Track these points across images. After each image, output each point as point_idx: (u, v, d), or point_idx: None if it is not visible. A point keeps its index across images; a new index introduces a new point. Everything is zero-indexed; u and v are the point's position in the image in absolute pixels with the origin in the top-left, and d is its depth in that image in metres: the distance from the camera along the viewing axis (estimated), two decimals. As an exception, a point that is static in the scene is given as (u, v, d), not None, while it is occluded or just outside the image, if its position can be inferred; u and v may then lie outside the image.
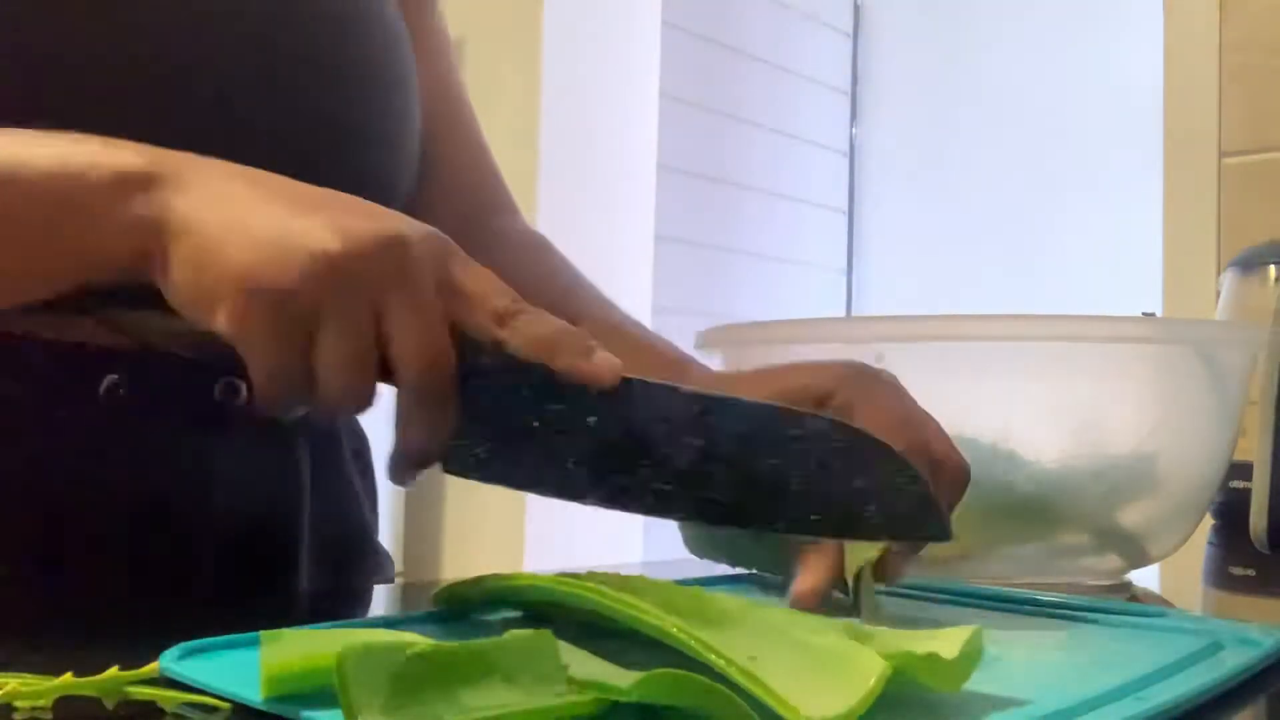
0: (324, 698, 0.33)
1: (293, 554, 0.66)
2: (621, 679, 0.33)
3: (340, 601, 0.67)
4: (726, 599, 0.42)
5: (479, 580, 0.48)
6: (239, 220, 0.43)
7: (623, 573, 0.46)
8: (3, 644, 0.42)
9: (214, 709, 0.35)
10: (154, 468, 0.59)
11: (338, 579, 0.68)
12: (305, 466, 0.66)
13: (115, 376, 0.58)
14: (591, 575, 0.45)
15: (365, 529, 0.73)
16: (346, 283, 0.42)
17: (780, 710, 0.31)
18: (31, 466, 0.57)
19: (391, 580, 0.74)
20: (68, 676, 0.35)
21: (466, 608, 0.49)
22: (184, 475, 0.60)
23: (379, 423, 0.53)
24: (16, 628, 0.48)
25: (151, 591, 0.59)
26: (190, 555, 0.61)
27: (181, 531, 0.60)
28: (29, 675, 0.35)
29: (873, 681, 0.32)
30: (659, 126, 2.34)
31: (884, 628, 0.40)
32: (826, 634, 0.37)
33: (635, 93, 2.31)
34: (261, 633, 0.39)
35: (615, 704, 0.32)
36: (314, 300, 0.42)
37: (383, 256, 0.42)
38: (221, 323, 0.42)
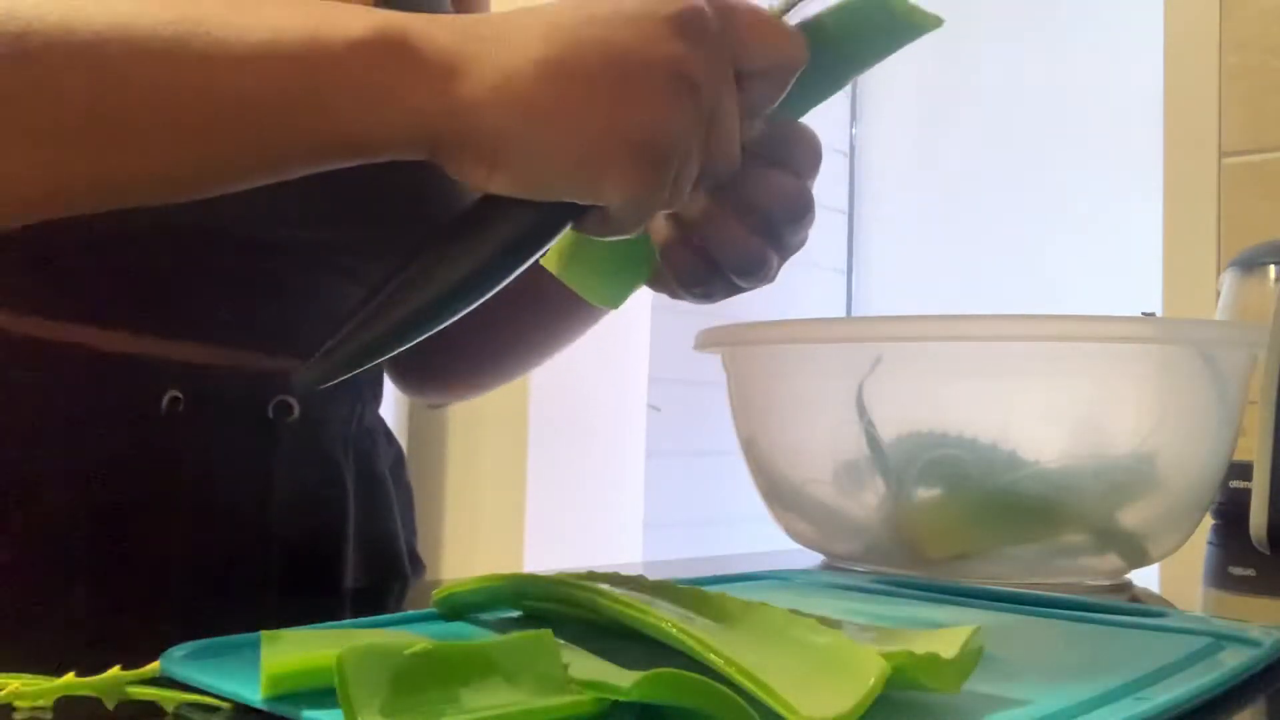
0: (324, 698, 0.33)
1: (339, 566, 0.67)
2: (621, 679, 0.33)
3: (342, 602, 0.67)
4: (727, 599, 0.42)
5: (479, 580, 0.48)
6: (562, 86, 0.41)
7: (622, 573, 0.46)
8: (3, 644, 0.42)
9: (214, 709, 0.35)
10: (210, 479, 0.61)
11: (375, 589, 0.69)
12: (350, 479, 0.68)
13: (176, 391, 0.59)
14: (591, 575, 0.45)
15: (398, 540, 0.74)
16: (708, 62, 0.42)
17: (780, 710, 0.31)
18: (90, 477, 0.58)
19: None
20: (69, 676, 0.35)
21: (466, 608, 0.49)
22: (238, 488, 0.62)
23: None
24: (75, 632, 0.49)
25: (204, 601, 0.60)
26: (244, 566, 0.62)
27: (236, 541, 0.62)
28: (29, 675, 0.35)
29: (873, 681, 0.32)
30: (659, 127, 2.33)
31: (881, 626, 0.40)
32: (826, 634, 0.38)
33: (635, 93, 2.30)
34: (262, 633, 0.39)
35: (615, 704, 0.32)
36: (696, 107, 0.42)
37: (711, 51, 0.42)
38: (610, 181, 0.41)
